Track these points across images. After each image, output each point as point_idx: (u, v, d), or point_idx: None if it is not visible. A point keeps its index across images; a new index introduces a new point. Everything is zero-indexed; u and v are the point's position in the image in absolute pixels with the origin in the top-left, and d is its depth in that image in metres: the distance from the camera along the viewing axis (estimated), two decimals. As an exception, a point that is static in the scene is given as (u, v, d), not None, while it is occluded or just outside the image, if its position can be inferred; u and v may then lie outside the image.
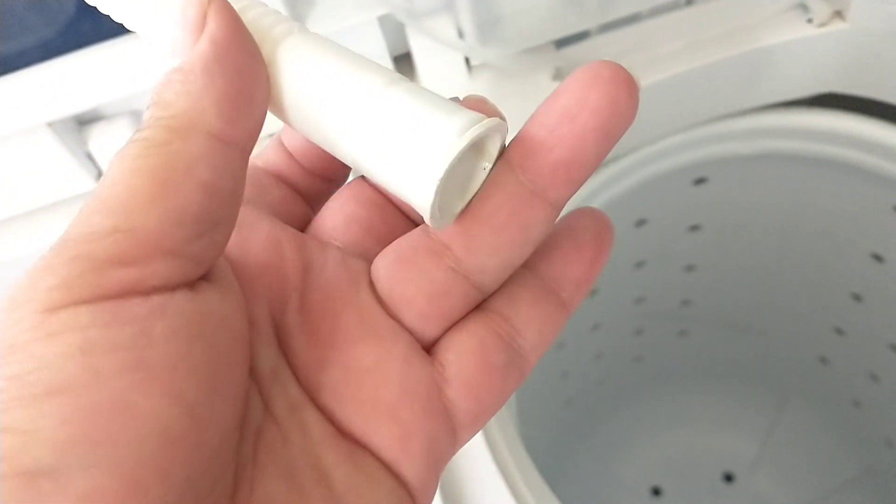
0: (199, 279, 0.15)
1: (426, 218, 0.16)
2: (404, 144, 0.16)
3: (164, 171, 0.15)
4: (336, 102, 0.16)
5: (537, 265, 0.19)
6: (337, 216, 0.19)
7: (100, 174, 0.44)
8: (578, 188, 0.17)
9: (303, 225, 0.20)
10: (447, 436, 0.17)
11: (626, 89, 0.16)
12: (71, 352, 0.13)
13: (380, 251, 0.19)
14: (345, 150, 0.17)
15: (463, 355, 0.17)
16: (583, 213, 0.19)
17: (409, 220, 0.20)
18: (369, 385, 0.17)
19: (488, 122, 0.16)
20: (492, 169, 0.17)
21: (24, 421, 0.13)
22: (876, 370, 0.70)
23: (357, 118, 0.16)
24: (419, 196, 0.16)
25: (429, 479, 0.17)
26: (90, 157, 0.43)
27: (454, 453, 0.18)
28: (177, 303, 0.14)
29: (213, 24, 0.16)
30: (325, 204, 0.20)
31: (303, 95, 0.17)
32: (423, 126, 0.16)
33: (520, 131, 0.17)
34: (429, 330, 0.18)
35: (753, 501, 0.80)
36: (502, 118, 0.18)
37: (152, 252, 0.14)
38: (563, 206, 0.18)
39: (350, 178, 0.21)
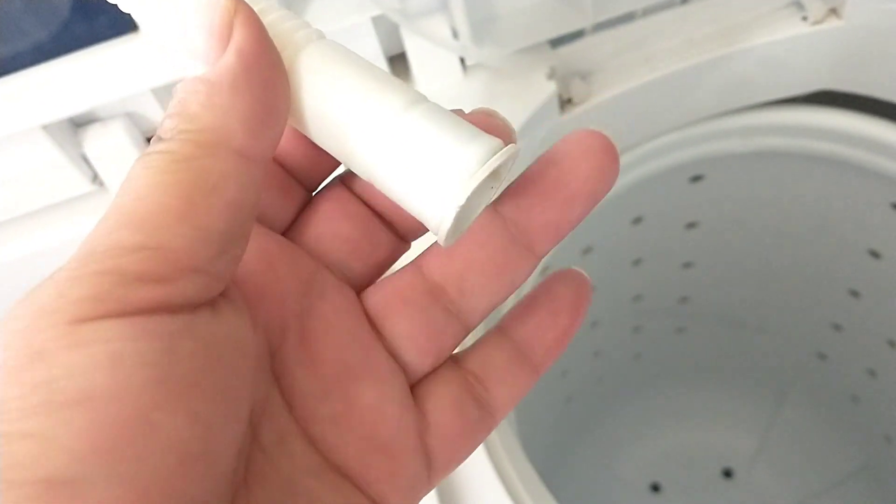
0: (217, 297, 0.15)
1: (441, 241, 0.17)
2: (424, 170, 0.16)
3: (191, 189, 0.14)
4: (356, 121, 0.17)
5: (513, 328, 0.20)
6: (322, 229, 0.19)
7: (95, 176, 0.44)
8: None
9: (292, 214, 0.20)
10: (426, 476, 0.18)
11: (611, 158, 0.18)
12: (100, 362, 0.13)
13: (360, 268, 0.19)
14: (362, 167, 0.17)
15: (441, 407, 0.19)
16: (564, 276, 0.20)
17: (393, 236, 0.20)
18: (368, 421, 0.18)
19: (506, 150, 0.16)
20: (499, 188, 0.18)
21: (45, 428, 0.13)
22: (874, 366, 0.70)
23: (377, 139, 0.16)
24: (438, 221, 0.16)
25: None
26: (85, 159, 0.43)
27: (426, 494, 0.19)
28: (201, 322, 0.15)
29: (240, 36, 0.15)
30: (308, 212, 0.19)
31: (322, 109, 0.17)
32: (444, 153, 0.16)
33: (513, 186, 0.19)
34: (423, 366, 0.19)
35: (753, 497, 0.80)
36: (512, 132, 0.18)
37: (180, 270, 0.14)
38: (545, 256, 0.19)
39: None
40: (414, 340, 0.19)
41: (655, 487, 0.82)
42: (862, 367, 0.72)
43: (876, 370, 0.70)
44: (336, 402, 0.18)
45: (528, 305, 0.20)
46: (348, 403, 0.18)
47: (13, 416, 0.13)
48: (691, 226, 0.64)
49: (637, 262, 0.66)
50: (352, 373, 0.18)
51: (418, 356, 0.19)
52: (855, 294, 0.66)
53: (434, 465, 0.18)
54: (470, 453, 0.19)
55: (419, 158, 0.16)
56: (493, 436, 0.37)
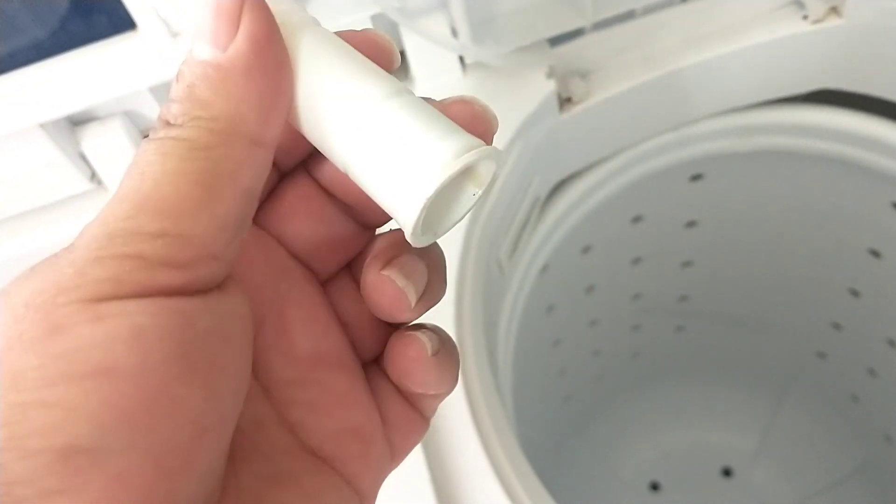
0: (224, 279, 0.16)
1: (407, 235, 0.16)
2: (396, 162, 0.16)
3: (209, 177, 0.15)
4: (334, 109, 0.16)
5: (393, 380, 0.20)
6: (288, 220, 0.19)
7: (93, 175, 0.44)
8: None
9: (261, 198, 0.19)
10: (390, 458, 0.19)
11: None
12: (121, 335, 0.13)
13: (324, 260, 0.19)
14: (337, 156, 0.17)
15: (390, 399, 0.19)
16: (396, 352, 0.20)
17: (357, 226, 0.20)
18: (343, 407, 0.18)
19: (481, 150, 0.16)
20: (482, 196, 0.17)
21: (66, 398, 0.13)
22: (874, 365, 0.70)
23: (353, 128, 0.16)
24: (404, 214, 0.16)
25: (376, 493, 0.19)
26: (83, 157, 0.43)
27: (389, 474, 0.20)
28: (214, 301, 0.15)
29: (251, 21, 0.15)
30: (275, 199, 0.19)
31: (304, 96, 0.17)
32: (417, 146, 0.16)
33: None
34: (372, 356, 0.20)
35: (752, 496, 0.80)
36: (493, 119, 0.18)
37: (198, 257, 0.14)
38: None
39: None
40: (373, 332, 0.20)
41: (655, 486, 0.82)
42: (862, 367, 0.71)
43: (876, 369, 0.70)
44: (313, 389, 0.18)
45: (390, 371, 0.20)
46: (324, 390, 0.18)
47: (31, 386, 0.13)
48: (691, 225, 0.64)
49: (636, 261, 0.66)
50: (325, 361, 0.19)
51: (374, 346, 0.20)
52: (855, 293, 0.66)
53: (394, 449, 0.19)
54: (418, 442, 0.20)
55: (392, 150, 0.16)
56: (491, 435, 0.37)
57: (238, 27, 0.15)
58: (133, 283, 0.14)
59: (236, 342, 0.15)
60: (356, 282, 0.20)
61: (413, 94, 0.17)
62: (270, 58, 0.16)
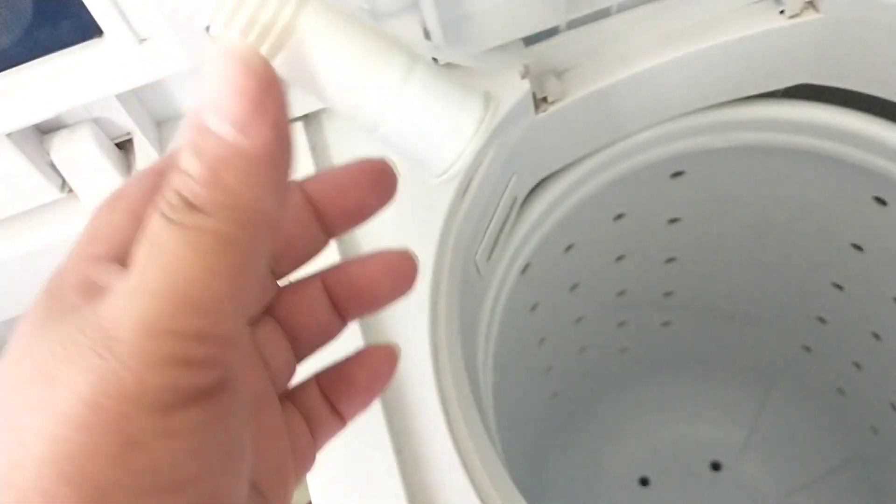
0: None
1: (435, 182, 0.20)
2: (432, 132, 0.19)
3: (238, 272, 0.15)
4: (360, 92, 0.18)
5: (327, 389, 0.22)
6: None
7: (63, 184, 0.43)
8: None
9: None
10: (295, 485, 0.21)
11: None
12: (189, 450, 0.15)
13: (287, 263, 0.21)
14: (365, 121, 0.19)
15: (300, 433, 0.21)
16: (371, 358, 0.22)
17: (321, 232, 0.21)
18: (274, 441, 0.20)
19: (491, 117, 0.19)
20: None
21: None
22: (859, 358, 0.70)
23: (388, 98, 0.18)
24: (442, 173, 0.19)
25: None
26: (53, 166, 0.42)
27: None
28: (238, 390, 0.16)
29: (275, 108, 0.15)
30: None
31: (336, 68, 0.18)
32: (449, 118, 0.19)
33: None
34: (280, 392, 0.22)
35: (741, 489, 0.80)
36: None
37: (233, 351, 0.16)
38: None
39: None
40: (287, 368, 0.21)
41: (644, 481, 0.82)
42: (847, 360, 0.71)
43: (861, 362, 0.70)
44: (254, 428, 0.19)
45: (339, 378, 0.22)
46: (261, 429, 0.20)
47: (117, 499, 0.14)
48: (673, 221, 0.64)
49: (620, 258, 0.66)
50: (260, 400, 0.20)
51: (283, 385, 0.21)
52: (839, 287, 0.66)
53: (297, 478, 0.21)
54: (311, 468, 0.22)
55: (428, 122, 0.19)
56: (466, 440, 0.37)
57: (262, 112, 0.15)
58: (188, 389, 0.15)
59: (248, 425, 0.17)
60: (277, 322, 0.21)
61: (423, 66, 0.19)
62: (289, 143, 0.16)
